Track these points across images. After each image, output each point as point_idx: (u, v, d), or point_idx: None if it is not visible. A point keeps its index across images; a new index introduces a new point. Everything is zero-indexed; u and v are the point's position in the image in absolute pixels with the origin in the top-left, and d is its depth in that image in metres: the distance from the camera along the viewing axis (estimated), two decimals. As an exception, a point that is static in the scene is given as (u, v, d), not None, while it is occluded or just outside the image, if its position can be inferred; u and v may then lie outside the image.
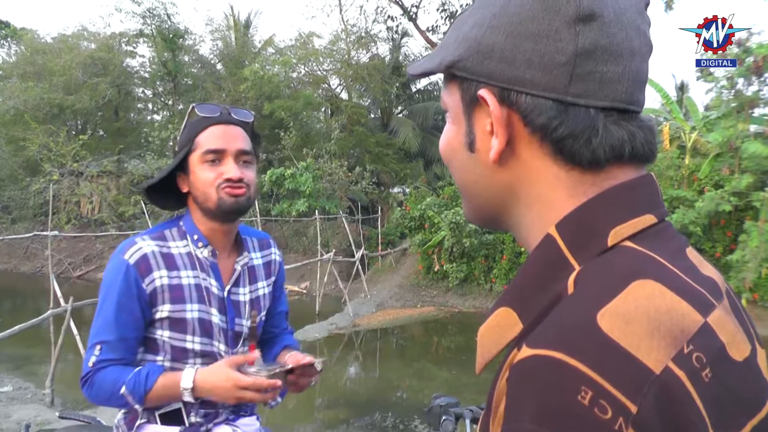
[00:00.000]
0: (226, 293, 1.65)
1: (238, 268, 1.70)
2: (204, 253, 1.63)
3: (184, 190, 1.63)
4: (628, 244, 0.55)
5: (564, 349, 0.46)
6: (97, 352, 1.53)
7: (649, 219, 0.56)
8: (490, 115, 0.58)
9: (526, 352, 0.49)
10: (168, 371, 1.56)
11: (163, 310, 1.56)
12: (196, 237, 1.62)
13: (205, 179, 1.56)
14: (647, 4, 0.61)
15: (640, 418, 0.44)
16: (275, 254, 1.84)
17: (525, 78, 0.55)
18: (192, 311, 1.58)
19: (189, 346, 1.59)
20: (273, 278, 1.82)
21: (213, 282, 1.63)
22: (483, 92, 0.58)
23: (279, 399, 1.75)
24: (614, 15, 0.55)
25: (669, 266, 0.53)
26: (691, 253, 0.59)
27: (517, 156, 0.59)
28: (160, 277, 1.56)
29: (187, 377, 1.51)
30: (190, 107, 1.64)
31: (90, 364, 1.53)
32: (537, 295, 0.55)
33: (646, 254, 0.53)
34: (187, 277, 1.59)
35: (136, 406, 1.53)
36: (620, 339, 0.46)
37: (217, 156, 1.57)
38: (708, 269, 0.59)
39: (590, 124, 0.55)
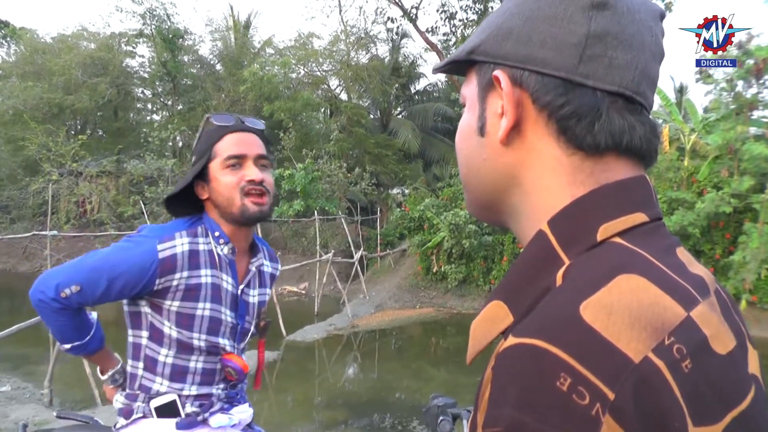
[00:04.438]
0: (239, 292, 1.71)
1: (253, 269, 1.76)
2: (224, 250, 1.67)
3: (204, 197, 1.68)
4: (617, 240, 0.56)
5: (546, 338, 0.47)
6: (75, 289, 1.53)
7: (639, 217, 0.57)
8: (502, 97, 0.60)
9: (510, 341, 0.50)
10: (104, 355, 1.75)
11: (173, 305, 1.59)
12: (217, 234, 1.66)
13: (228, 183, 1.62)
14: (663, 16, 0.63)
15: (617, 405, 0.44)
16: (278, 270, 1.94)
17: (537, 57, 0.58)
18: (204, 309, 1.62)
19: (196, 343, 1.62)
20: (269, 290, 1.89)
21: (229, 280, 1.68)
22: (497, 72, 0.60)
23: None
24: (627, 9, 0.58)
25: (655, 262, 0.54)
26: (681, 252, 0.60)
27: (523, 137, 0.60)
28: (179, 278, 1.58)
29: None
30: (205, 118, 1.70)
31: (63, 294, 1.53)
32: (527, 289, 0.56)
33: (634, 250, 0.54)
34: (206, 276, 1.62)
35: (65, 346, 1.65)
36: (601, 329, 0.47)
37: (237, 161, 1.63)
38: (697, 268, 0.60)
39: (595, 105, 0.57)
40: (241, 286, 1.71)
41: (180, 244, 1.59)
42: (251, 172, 1.63)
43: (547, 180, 0.60)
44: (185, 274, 1.58)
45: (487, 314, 0.59)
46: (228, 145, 1.64)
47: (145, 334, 1.63)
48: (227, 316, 1.66)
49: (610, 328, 0.47)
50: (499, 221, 0.69)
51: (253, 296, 1.76)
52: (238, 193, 1.61)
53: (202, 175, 1.67)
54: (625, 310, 0.48)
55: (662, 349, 0.47)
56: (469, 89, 0.66)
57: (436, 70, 0.73)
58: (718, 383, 0.50)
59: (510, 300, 0.58)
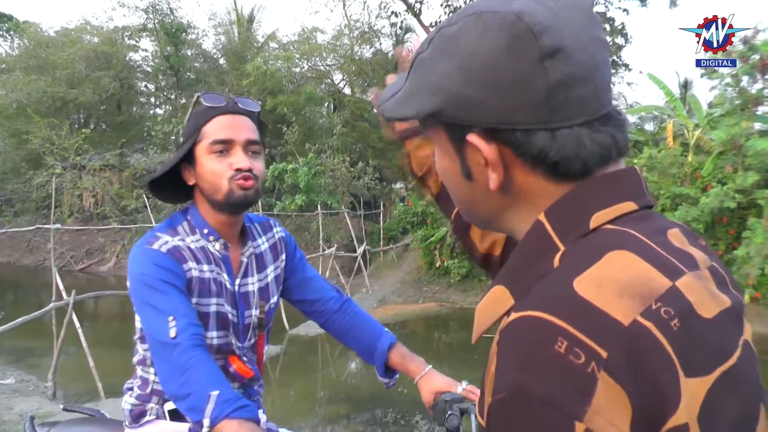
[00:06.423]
0: (237, 287, 1.62)
1: (244, 259, 1.66)
2: (216, 246, 1.58)
3: (191, 182, 1.58)
4: (609, 226, 0.60)
5: (544, 309, 0.53)
6: (171, 322, 1.37)
7: (629, 206, 0.62)
8: (481, 153, 0.62)
9: (512, 316, 0.56)
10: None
11: (193, 305, 1.51)
12: (206, 231, 1.58)
13: (214, 170, 1.51)
14: (593, 6, 0.63)
15: (610, 362, 0.50)
16: (278, 232, 1.79)
17: (510, 120, 0.59)
18: (214, 306, 1.55)
19: (209, 342, 1.54)
20: (282, 256, 1.77)
21: (225, 276, 1.59)
22: (472, 138, 0.62)
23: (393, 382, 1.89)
24: (574, 41, 0.58)
25: (644, 239, 0.58)
26: (674, 234, 0.64)
27: (513, 180, 0.63)
28: (191, 269, 1.50)
29: None
30: (195, 96, 1.58)
31: (172, 335, 1.35)
32: (526, 274, 0.61)
33: (625, 231, 0.59)
34: (209, 272, 1.55)
35: (205, 422, 1.26)
36: (593, 299, 0.53)
37: (225, 146, 1.51)
38: (690, 248, 0.63)
39: (577, 140, 0.60)
40: (237, 280, 1.62)
41: (169, 238, 1.51)
42: (239, 159, 1.50)
43: (540, 202, 0.64)
44: (193, 264, 1.51)
45: (490, 298, 0.65)
46: (216, 128, 1.51)
47: None
48: (230, 313, 1.59)
49: (600, 298, 0.53)
50: (492, 230, 0.75)
51: (252, 284, 1.66)
52: (226, 181, 1.50)
53: (189, 158, 1.55)
54: (614, 283, 0.54)
55: (650, 313, 0.52)
56: (439, 137, 0.68)
57: (389, 120, 0.68)
58: (706, 342, 0.55)
59: (511, 285, 0.63)
